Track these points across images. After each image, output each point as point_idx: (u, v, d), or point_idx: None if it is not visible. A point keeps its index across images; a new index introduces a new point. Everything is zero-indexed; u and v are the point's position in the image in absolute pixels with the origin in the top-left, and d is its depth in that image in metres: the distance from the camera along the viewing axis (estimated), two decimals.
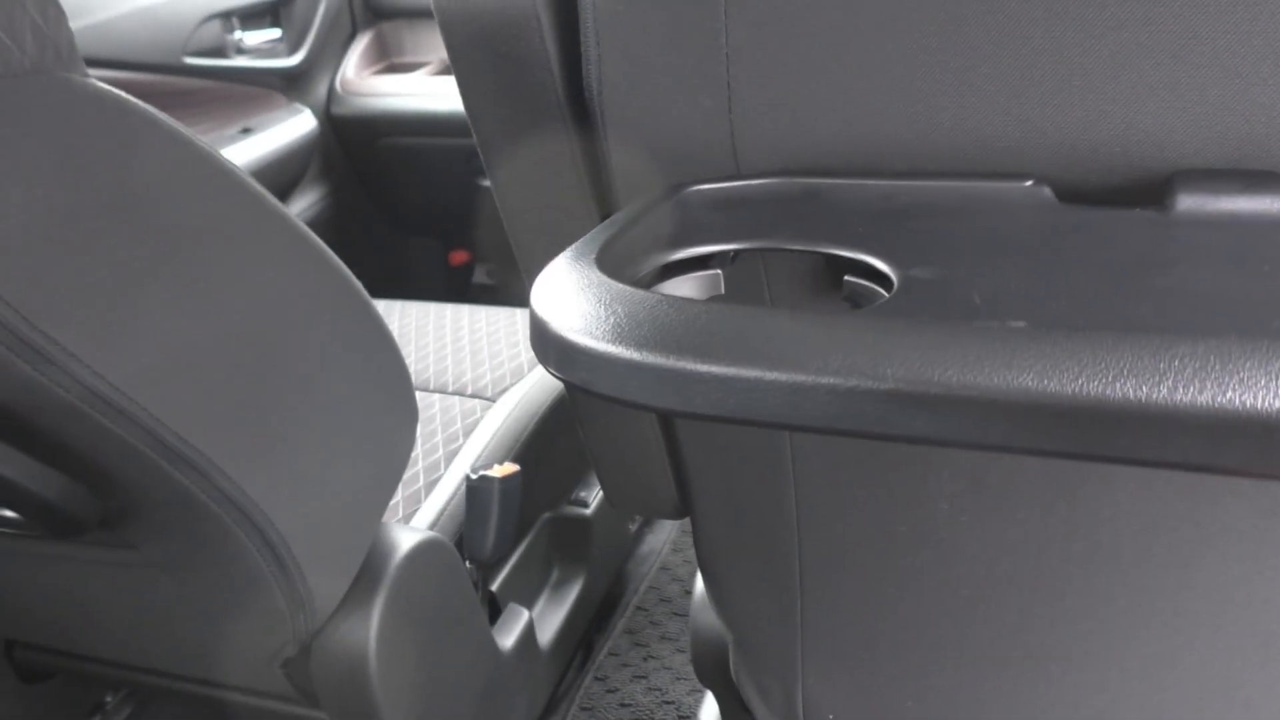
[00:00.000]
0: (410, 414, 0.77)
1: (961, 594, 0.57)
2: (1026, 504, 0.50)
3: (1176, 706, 0.56)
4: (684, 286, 0.35)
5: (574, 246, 0.33)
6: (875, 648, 0.65)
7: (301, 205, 1.71)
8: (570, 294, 0.29)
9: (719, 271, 0.36)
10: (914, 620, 0.61)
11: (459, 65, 0.48)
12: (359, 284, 0.69)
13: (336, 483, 0.69)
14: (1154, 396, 0.23)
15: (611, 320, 0.27)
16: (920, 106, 0.37)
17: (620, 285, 0.29)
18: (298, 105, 1.68)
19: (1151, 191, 0.36)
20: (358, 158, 1.79)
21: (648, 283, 0.35)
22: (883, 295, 0.31)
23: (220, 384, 0.59)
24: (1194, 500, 0.45)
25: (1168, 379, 0.23)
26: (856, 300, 0.33)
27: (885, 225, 0.35)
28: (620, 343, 0.26)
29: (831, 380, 0.24)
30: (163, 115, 0.55)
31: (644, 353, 0.26)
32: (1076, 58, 0.34)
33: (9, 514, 0.61)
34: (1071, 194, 0.37)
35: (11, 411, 0.52)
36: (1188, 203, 0.35)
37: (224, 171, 0.58)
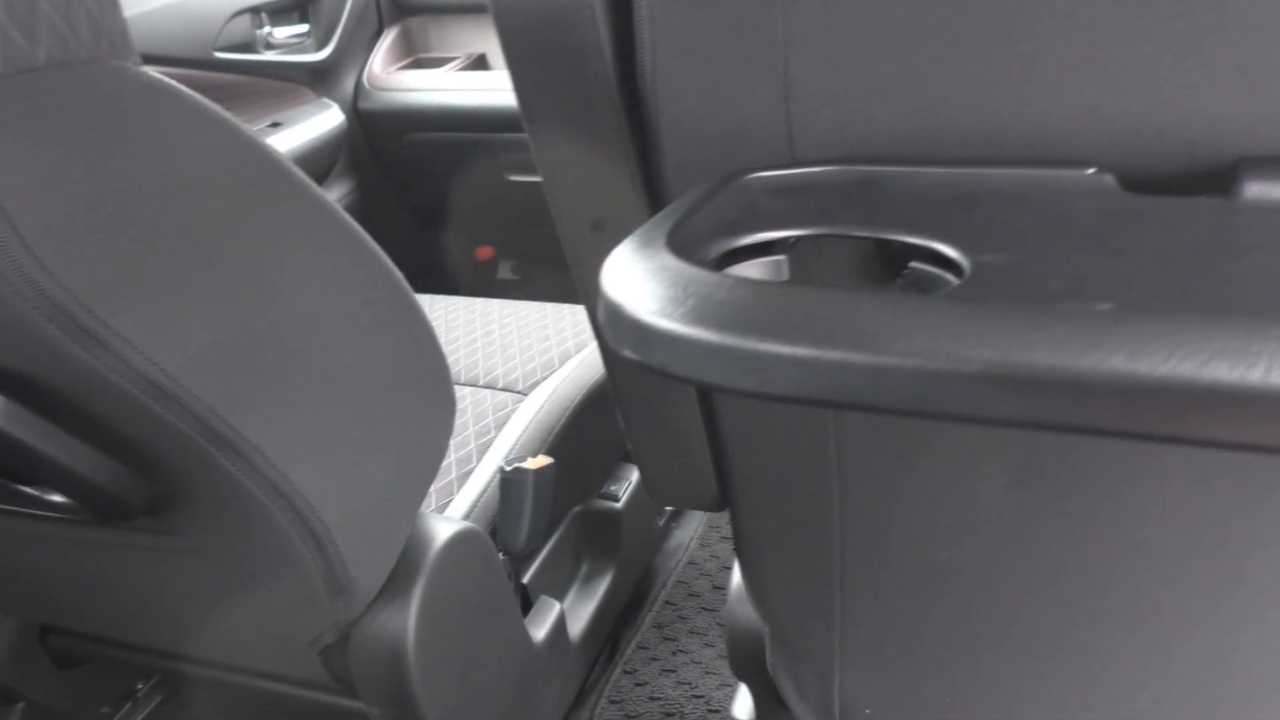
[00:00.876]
0: (449, 404, 0.77)
1: (1005, 588, 0.56)
2: (1074, 498, 0.49)
3: (1222, 707, 0.55)
4: (751, 271, 0.35)
5: (640, 231, 0.33)
6: (915, 642, 0.64)
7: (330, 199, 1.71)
8: (643, 277, 0.29)
9: (784, 257, 0.36)
10: (955, 614, 0.60)
11: (511, 52, 0.48)
12: (400, 274, 0.70)
13: (377, 471, 0.70)
14: (1248, 379, 0.22)
15: (690, 302, 0.27)
16: (981, 94, 0.37)
17: (693, 268, 0.29)
18: (325, 100, 1.69)
19: (1217, 179, 0.36)
20: (384, 152, 1.80)
21: (715, 267, 0.35)
22: (952, 281, 0.30)
23: (267, 371, 0.60)
24: (1246, 495, 0.45)
25: (1262, 361, 0.23)
26: (922, 287, 0.33)
27: (948, 212, 0.35)
28: (699, 324, 0.26)
29: (917, 363, 0.24)
30: (212, 105, 0.56)
31: (724, 334, 0.26)
32: (1141, 42, 0.34)
33: (58, 499, 0.61)
34: (1134, 182, 0.37)
35: (66, 397, 0.53)
36: (1254, 190, 0.34)
37: (270, 161, 0.58)
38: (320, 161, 1.64)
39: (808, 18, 0.38)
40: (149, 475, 0.60)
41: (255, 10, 1.54)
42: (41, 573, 0.80)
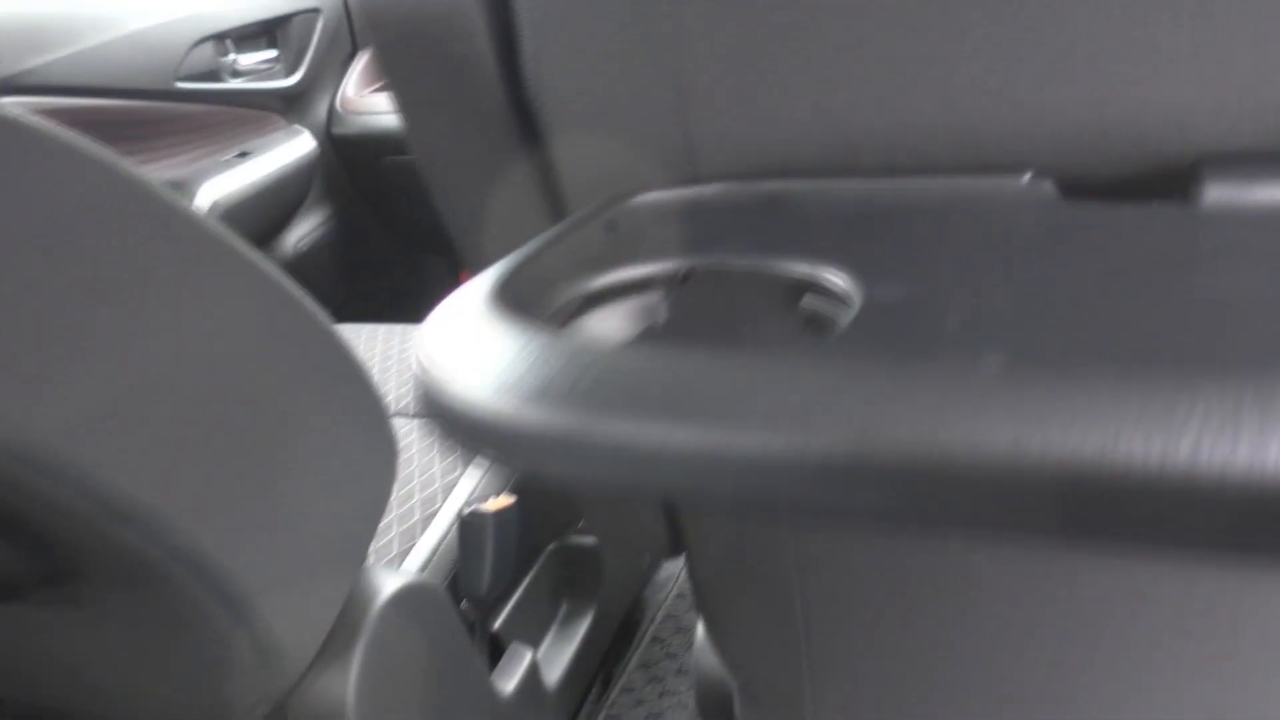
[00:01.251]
0: (388, 449, 0.72)
1: (980, 633, 0.51)
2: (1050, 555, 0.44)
3: None
4: (610, 318, 0.30)
5: (479, 277, 0.27)
6: (887, 689, 0.59)
7: (306, 228, 1.67)
8: (452, 334, 0.24)
9: (658, 297, 0.30)
10: (928, 659, 0.55)
11: (391, 69, 0.42)
12: (321, 313, 0.64)
13: (305, 527, 0.64)
14: (1170, 457, 0.16)
15: (487, 371, 0.22)
16: (898, 91, 0.31)
17: (510, 323, 0.23)
18: (297, 126, 1.64)
19: (1173, 181, 0.30)
20: (362, 177, 1.75)
21: (565, 316, 0.29)
22: (841, 320, 0.25)
23: (159, 428, 0.54)
24: None
25: (1189, 431, 0.17)
26: (818, 326, 0.27)
27: (857, 233, 0.29)
28: (493, 398, 0.21)
29: (737, 444, 0.19)
30: (88, 142, 0.51)
31: (519, 410, 0.20)
32: (1080, 24, 0.28)
33: None
34: (1078, 188, 0.31)
35: None
36: (1217, 193, 0.28)
37: (153, 196, 0.53)
38: (292, 189, 1.60)
39: (698, 14, 0.32)
40: (37, 549, 0.55)
41: (220, 37, 1.50)
42: None
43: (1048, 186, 0.30)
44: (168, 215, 0.54)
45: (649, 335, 0.41)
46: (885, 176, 0.32)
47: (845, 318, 0.25)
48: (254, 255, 0.60)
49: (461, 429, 0.22)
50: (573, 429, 0.20)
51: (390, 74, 0.43)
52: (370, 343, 1.27)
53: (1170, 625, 0.44)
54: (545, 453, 0.20)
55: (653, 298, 0.30)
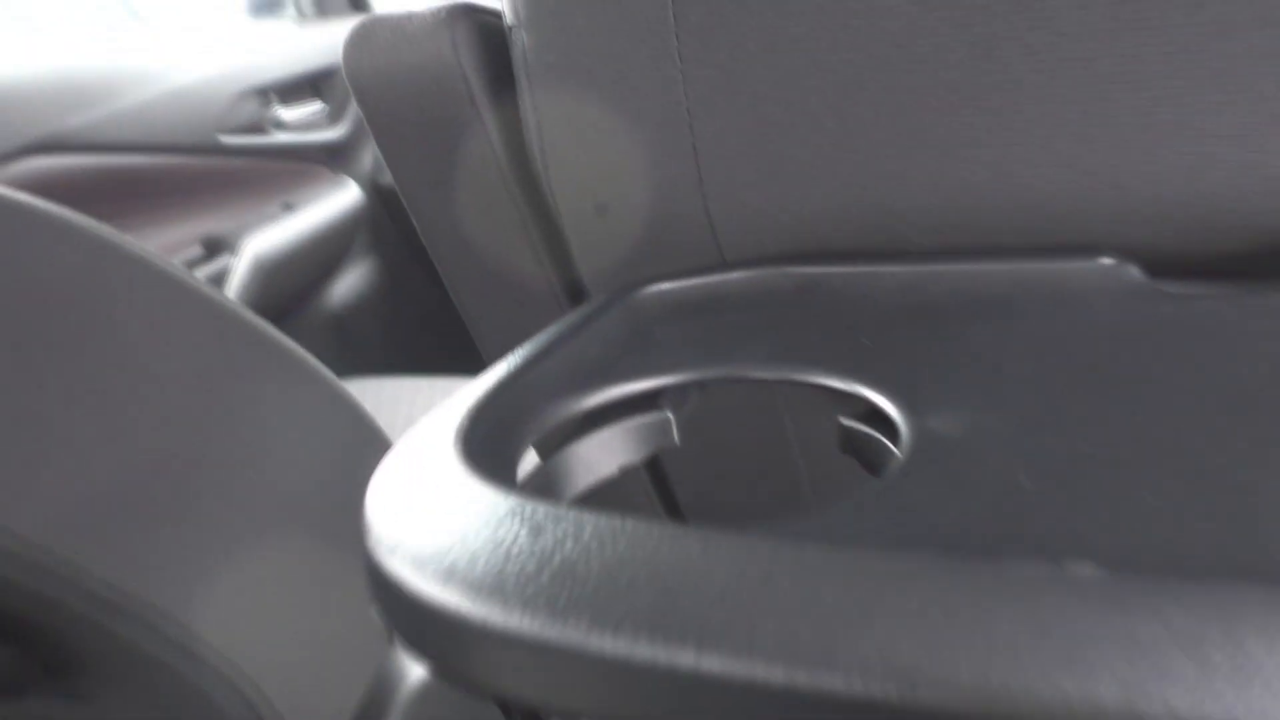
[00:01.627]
0: None
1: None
2: None
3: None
4: (611, 442, 0.24)
5: (445, 405, 0.22)
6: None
7: (351, 280, 1.65)
8: (403, 492, 0.19)
9: (667, 414, 0.24)
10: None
11: (381, 136, 0.38)
12: (326, 371, 0.60)
13: (319, 610, 0.60)
14: None
15: (421, 552, 0.16)
16: (946, 157, 0.25)
17: (469, 480, 0.18)
18: (342, 177, 1.63)
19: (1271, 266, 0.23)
20: (407, 226, 1.73)
21: (558, 440, 0.24)
22: (892, 452, 0.19)
23: (156, 516, 0.50)
24: None
25: None
26: (862, 457, 0.21)
27: (903, 334, 0.23)
28: (425, 586, 0.16)
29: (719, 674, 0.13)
30: (70, 214, 0.47)
31: (445, 600, 0.15)
32: (1161, 80, 0.22)
33: None
34: (1167, 269, 0.24)
35: None
36: None
37: (145, 265, 0.49)
38: (337, 241, 1.58)
39: (709, 77, 0.27)
40: (34, 646, 0.51)
41: (263, 91, 1.49)
42: None
43: (1132, 271, 0.24)
44: (165, 286, 0.50)
45: (657, 464, 0.35)
46: (935, 260, 0.25)
47: (892, 452, 0.19)
48: (257, 320, 0.56)
49: (407, 625, 0.16)
50: (533, 641, 0.14)
51: (380, 140, 0.38)
52: (413, 396, 1.24)
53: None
54: (498, 669, 0.15)
55: (651, 419, 0.24)
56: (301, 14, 1.62)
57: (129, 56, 1.34)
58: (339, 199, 1.60)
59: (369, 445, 0.63)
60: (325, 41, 1.60)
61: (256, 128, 1.49)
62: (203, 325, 0.53)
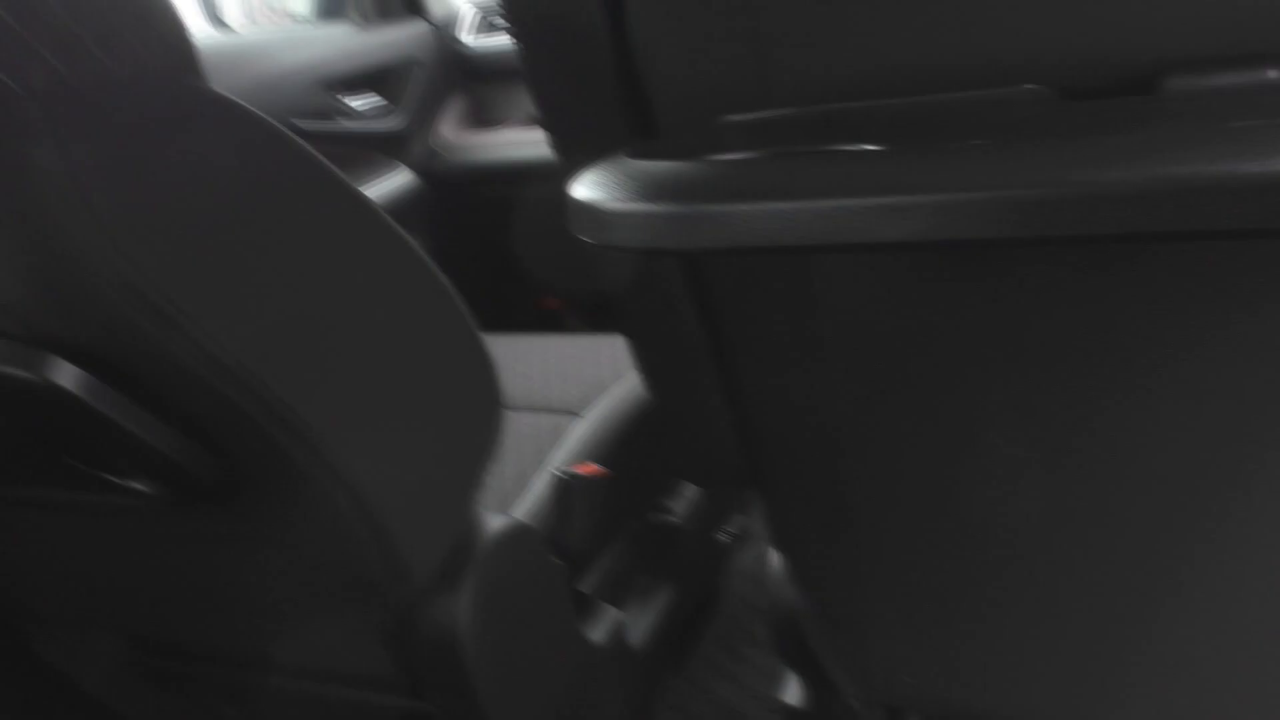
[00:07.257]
0: (495, 398, 0.82)
1: (1024, 534, 0.58)
2: (1082, 435, 0.51)
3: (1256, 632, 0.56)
4: None
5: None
6: (943, 600, 0.65)
7: None
8: (602, 174, 0.34)
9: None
10: (977, 565, 0.62)
11: (526, 45, 0.54)
12: (442, 275, 0.76)
13: (426, 457, 0.75)
14: None
15: (633, 183, 0.32)
16: (929, 32, 0.41)
17: (643, 162, 0.33)
18: (397, 163, 1.80)
19: (1143, 84, 0.39)
20: (455, 212, 1.90)
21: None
22: None
23: (321, 360, 0.66)
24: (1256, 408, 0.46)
25: None
26: None
27: (899, 132, 0.39)
28: (641, 197, 0.31)
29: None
30: (271, 120, 0.63)
31: (662, 202, 0.30)
32: None
33: (134, 486, 0.68)
34: (1071, 95, 0.40)
35: (141, 377, 0.59)
36: (1178, 84, 0.38)
37: (324, 172, 0.65)
38: (393, 219, 1.75)
39: None
40: (219, 456, 0.66)
41: (330, 84, 1.66)
42: (121, 576, 0.87)
43: (1047, 92, 0.40)
44: (336, 189, 0.66)
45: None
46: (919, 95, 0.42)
47: None
48: (399, 230, 0.72)
49: (595, 221, 0.32)
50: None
51: (525, 51, 0.54)
52: None
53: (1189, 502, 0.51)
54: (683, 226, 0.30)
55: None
56: (364, 17, 1.80)
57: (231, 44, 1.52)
58: (395, 181, 1.77)
59: (459, 323, 0.78)
60: (382, 41, 1.78)
61: (325, 115, 1.66)
62: (355, 218, 0.68)
